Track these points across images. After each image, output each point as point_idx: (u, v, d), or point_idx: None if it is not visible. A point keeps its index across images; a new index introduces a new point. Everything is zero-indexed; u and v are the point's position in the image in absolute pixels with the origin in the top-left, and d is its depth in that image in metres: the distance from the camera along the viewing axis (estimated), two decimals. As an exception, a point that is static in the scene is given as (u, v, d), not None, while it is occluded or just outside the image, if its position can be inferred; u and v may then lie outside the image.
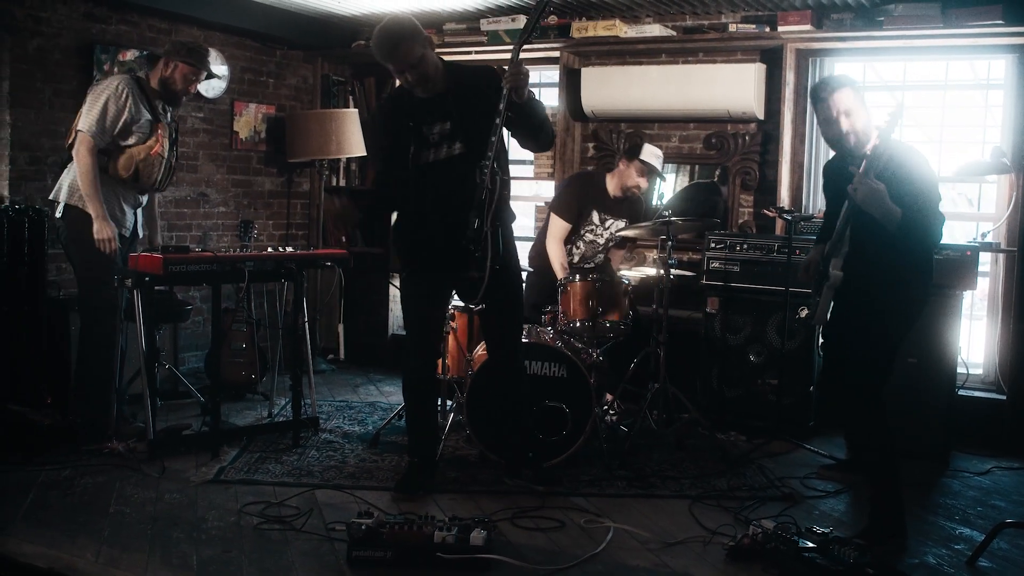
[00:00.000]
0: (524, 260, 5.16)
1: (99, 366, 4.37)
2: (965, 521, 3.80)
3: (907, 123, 4.97)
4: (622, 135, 5.94)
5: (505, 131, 3.67)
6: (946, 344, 4.55)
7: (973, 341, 5.33)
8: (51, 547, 3.23)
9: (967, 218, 5.50)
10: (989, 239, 5.04)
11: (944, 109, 5.47)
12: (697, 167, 5.87)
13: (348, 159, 6.64)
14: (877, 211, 3.26)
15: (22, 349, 4.62)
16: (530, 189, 6.79)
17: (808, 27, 5.23)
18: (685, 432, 4.74)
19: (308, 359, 4.87)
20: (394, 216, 3.94)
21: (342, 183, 6.72)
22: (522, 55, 3.55)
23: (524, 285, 5.17)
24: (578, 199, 5.07)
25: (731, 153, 5.67)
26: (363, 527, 3.11)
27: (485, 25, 5.98)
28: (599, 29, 5.73)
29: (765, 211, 5.36)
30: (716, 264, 5.11)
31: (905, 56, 5.40)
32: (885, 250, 3.38)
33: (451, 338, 4.65)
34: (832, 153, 3.80)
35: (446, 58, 3.85)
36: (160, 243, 4.77)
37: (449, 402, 4.80)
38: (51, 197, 4.41)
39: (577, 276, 4.59)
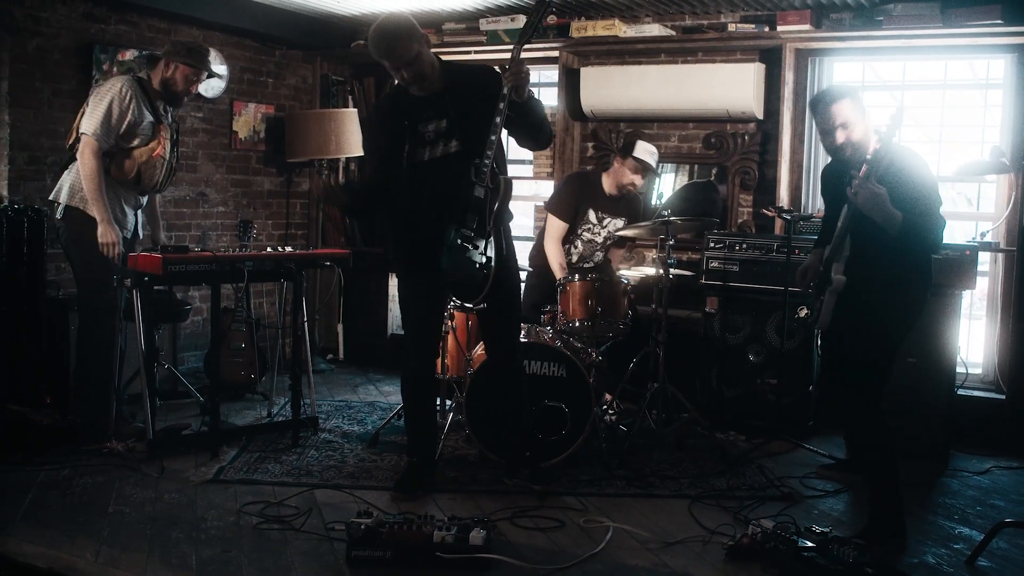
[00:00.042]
0: (524, 260, 5.17)
1: (98, 367, 4.37)
2: (964, 520, 3.80)
3: (906, 123, 4.96)
4: (621, 135, 5.94)
5: (503, 130, 3.67)
6: (945, 344, 4.55)
7: (972, 341, 5.34)
8: (50, 547, 3.23)
9: (966, 218, 5.50)
10: (988, 239, 5.04)
11: (943, 109, 5.48)
12: (696, 167, 5.87)
13: (347, 159, 6.64)
14: (878, 215, 3.26)
15: (21, 349, 4.62)
16: (529, 189, 6.79)
17: (807, 27, 5.23)
18: (684, 432, 4.74)
19: (307, 359, 4.86)
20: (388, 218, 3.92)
21: (341, 182, 6.71)
22: (522, 54, 3.55)
23: (524, 285, 5.18)
24: (574, 198, 5.08)
25: (730, 153, 5.68)
26: (362, 527, 3.11)
27: (484, 25, 5.98)
28: (598, 29, 5.74)
29: (764, 211, 5.36)
30: (715, 264, 5.11)
31: (904, 56, 5.40)
32: (885, 253, 3.38)
33: (450, 337, 4.65)
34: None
35: (445, 58, 3.85)
36: (164, 239, 4.77)
37: (448, 402, 4.80)
38: (51, 197, 4.40)
39: (576, 276, 4.59)
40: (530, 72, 3.58)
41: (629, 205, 5.17)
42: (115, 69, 5.40)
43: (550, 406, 4.21)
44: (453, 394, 4.76)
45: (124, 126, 4.26)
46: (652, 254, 5.82)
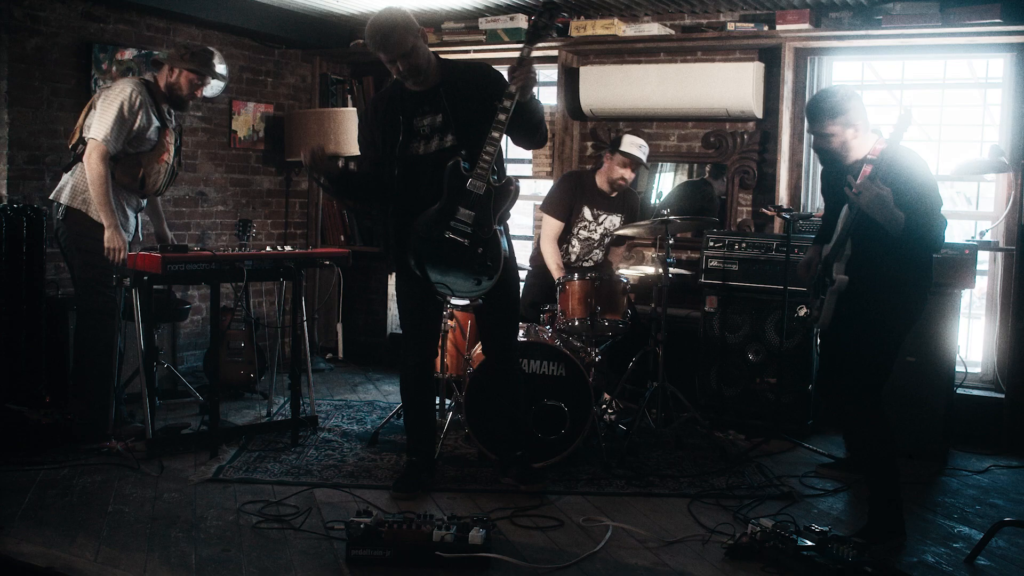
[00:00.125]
0: (524, 260, 5.18)
1: (97, 367, 4.37)
2: (964, 519, 3.80)
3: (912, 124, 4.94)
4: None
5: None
6: (945, 343, 4.56)
7: (972, 340, 5.34)
8: (50, 546, 3.22)
9: (965, 217, 5.50)
10: (987, 238, 5.04)
11: (943, 108, 5.48)
12: (696, 166, 5.88)
13: (347, 158, 6.63)
14: (881, 216, 3.26)
15: (21, 348, 4.62)
16: (529, 188, 6.78)
17: (806, 26, 5.23)
18: (684, 431, 4.74)
19: (307, 358, 4.86)
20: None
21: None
22: (519, 55, 3.56)
23: (524, 284, 5.19)
24: (568, 196, 5.10)
25: (730, 152, 5.68)
26: (362, 526, 3.11)
27: (483, 24, 5.98)
28: (598, 28, 5.73)
29: (763, 210, 5.36)
30: (715, 263, 5.11)
31: (903, 55, 5.40)
32: (886, 253, 3.38)
33: (450, 337, 4.65)
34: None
35: (444, 57, 3.86)
36: (169, 234, 4.76)
37: (448, 401, 4.80)
38: (51, 197, 4.39)
39: (576, 275, 4.59)
40: (537, 73, 3.60)
41: (625, 202, 5.18)
42: (114, 68, 5.39)
43: (549, 405, 4.21)
44: (452, 393, 4.77)
45: (133, 132, 4.25)
46: (651, 253, 5.83)
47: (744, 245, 5.06)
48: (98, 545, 3.25)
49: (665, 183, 5.99)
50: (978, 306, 5.49)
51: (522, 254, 5.10)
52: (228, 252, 4.47)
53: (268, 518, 3.53)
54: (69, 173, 4.31)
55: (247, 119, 6.37)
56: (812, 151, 5.50)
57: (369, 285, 6.85)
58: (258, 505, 3.66)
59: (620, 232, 5.12)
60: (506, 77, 3.63)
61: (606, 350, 4.84)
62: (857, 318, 3.46)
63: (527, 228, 6.54)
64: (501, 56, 5.89)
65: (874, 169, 3.28)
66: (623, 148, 4.97)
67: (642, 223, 4.93)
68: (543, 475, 4.04)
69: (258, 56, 6.44)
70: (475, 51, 6.03)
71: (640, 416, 4.63)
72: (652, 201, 5.92)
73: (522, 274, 5.08)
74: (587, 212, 5.11)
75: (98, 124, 4.18)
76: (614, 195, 5.13)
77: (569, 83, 5.93)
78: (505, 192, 3.68)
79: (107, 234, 4.20)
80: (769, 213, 5.20)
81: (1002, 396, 4.92)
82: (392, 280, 6.32)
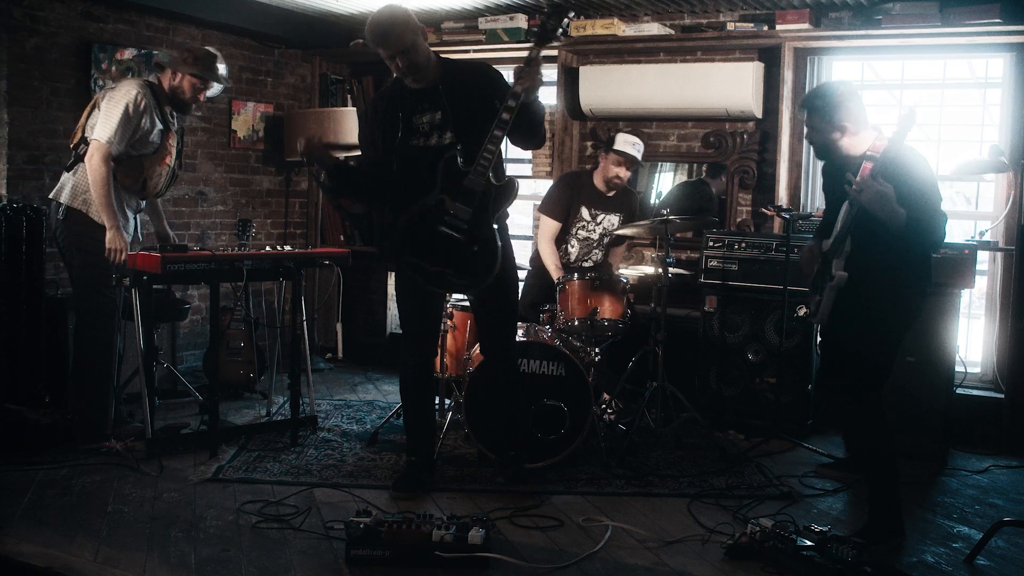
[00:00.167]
0: (524, 260, 5.18)
1: (96, 367, 4.36)
2: (963, 519, 3.80)
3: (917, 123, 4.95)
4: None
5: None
6: (944, 343, 4.56)
7: (971, 340, 5.34)
8: (49, 546, 3.22)
9: (965, 217, 5.50)
10: (987, 238, 5.04)
11: (942, 108, 5.48)
12: (695, 166, 5.87)
13: (347, 157, 6.63)
14: (883, 213, 3.26)
15: (20, 348, 4.62)
16: (529, 188, 6.78)
17: (806, 26, 5.23)
18: (683, 431, 4.74)
19: (306, 358, 4.86)
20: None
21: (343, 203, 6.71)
22: (519, 54, 3.56)
23: (524, 284, 5.20)
24: (565, 197, 5.11)
25: (729, 152, 5.67)
26: (361, 526, 3.11)
27: (483, 24, 5.97)
28: (597, 28, 5.73)
29: (763, 209, 5.36)
30: (714, 263, 5.11)
31: (903, 55, 5.40)
32: (886, 250, 3.37)
33: (450, 337, 4.65)
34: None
35: (444, 56, 3.86)
36: (170, 232, 4.76)
37: (448, 401, 4.80)
38: (51, 196, 4.37)
39: (575, 275, 4.59)
40: (543, 76, 3.61)
41: (623, 201, 5.19)
42: (114, 68, 5.39)
43: (549, 405, 4.21)
44: (452, 393, 4.77)
45: (138, 134, 4.24)
46: (651, 253, 5.83)
47: (744, 245, 5.06)
48: (97, 545, 3.25)
49: (665, 183, 6.00)
50: (978, 306, 5.49)
51: (522, 254, 5.10)
52: (228, 252, 4.48)
53: (268, 518, 3.53)
54: (70, 173, 4.29)
55: (247, 119, 6.37)
56: (811, 149, 5.54)
57: (369, 285, 6.85)
58: (258, 505, 3.66)
59: (620, 232, 5.12)
60: (508, 77, 3.64)
61: (606, 350, 4.84)
62: (857, 316, 3.46)
63: (527, 228, 6.54)
64: (501, 56, 5.89)
65: (875, 166, 3.28)
66: (616, 146, 4.99)
67: (642, 223, 4.93)
68: (535, 476, 4.04)
69: (258, 56, 6.44)
70: (475, 51, 6.03)
71: (640, 416, 4.63)
72: (652, 201, 5.92)
73: (522, 274, 5.08)
74: (585, 212, 5.12)
75: (102, 125, 4.17)
76: (611, 194, 5.14)
77: (569, 83, 5.93)
78: (504, 192, 3.68)
79: (109, 235, 4.20)
80: (769, 213, 5.20)
81: (1001, 396, 4.92)
82: (392, 280, 6.33)
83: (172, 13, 5.67)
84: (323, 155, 3.74)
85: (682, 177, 5.95)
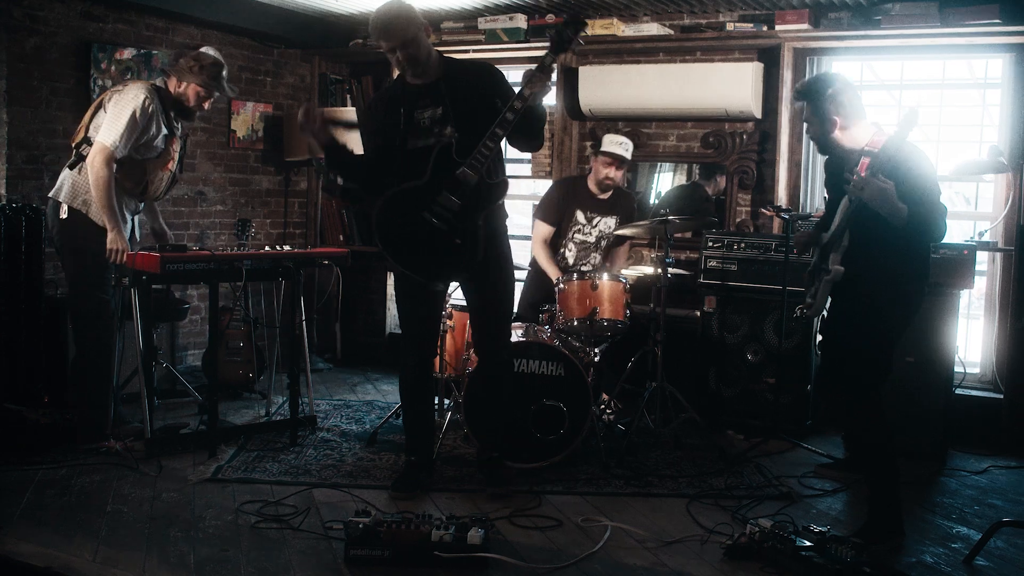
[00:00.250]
0: (523, 260, 5.17)
1: (95, 368, 4.35)
2: (962, 520, 3.80)
3: (920, 122, 4.94)
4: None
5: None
6: (943, 343, 4.56)
7: (970, 340, 5.34)
8: (48, 546, 3.22)
9: (964, 217, 5.50)
10: (986, 238, 5.04)
11: (942, 108, 5.48)
12: (695, 166, 5.87)
13: (346, 124, 6.61)
14: (884, 209, 3.26)
15: (19, 348, 4.62)
16: (529, 188, 6.79)
17: (806, 26, 5.23)
18: (682, 431, 4.74)
19: (306, 358, 4.86)
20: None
21: (339, 182, 6.71)
22: (518, 54, 3.57)
23: (523, 285, 5.20)
24: (559, 201, 5.14)
25: (728, 152, 5.67)
26: (360, 526, 3.11)
27: (483, 23, 5.98)
28: (597, 28, 5.73)
29: (763, 210, 5.36)
30: (713, 263, 5.11)
31: (902, 55, 5.40)
32: (885, 246, 3.38)
33: (449, 337, 4.64)
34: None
35: (447, 55, 3.88)
36: (167, 229, 4.75)
37: (447, 401, 4.80)
38: (50, 194, 4.36)
39: (575, 275, 4.60)
40: (552, 83, 3.63)
41: (619, 204, 5.19)
42: (113, 68, 5.39)
43: (548, 405, 4.21)
44: (451, 393, 4.77)
45: (144, 139, 4.23)
46: (650, 253, 5.83)
47: (743, 245, 5.06)
48: (97, 545, 3.25)
49: (664, 183, 6.00)
50: (977, 306, 5.49)
51: (522, 255, 5.10)
52: (227, 252, 4.47)
53: (267, 518, 3.53)
54: (74, 171, 4.26)
55: (246, 119, 6.36)
56: (811, 150, 5.55)
57: (368, 285, 6.85)
58: (257, 505, 3.66)
59: (619, 232, 5.12)
60: (509, 77, 3.65)
61: (605, 350, 4.84)
62: (856, 313, 3.46)
63: (526, 228, 6.53)
64: (500, 56, 5.89)
65: (872, 162, 3.28)
66: (604, 148, 5.02)
67: (641, 223, 4.93)
68: (519, 477, 4.03)
69: (257, 56, 6.44)
70: (474, 51, 6.03)
71: (639, 416, 4.63)
72: (652, 201, 5.92)
73: (522, 275, 5.08)
74: (580, 215, 5.13)
75: (108, 128, 4.15)
76: (606, 197, 5.14)
77: (568, 83, 5.93)
78: (495, 189, 3.68)
79: (110, 236, 4.19)
80: (768, 213, 5.20)
81: (1001, 396, 4.92)
82: (391, 280, 6.32)
83: (172, 13, 5.67)
84: (320, 128, 3.74)
85: (681, 178, 5.96)
